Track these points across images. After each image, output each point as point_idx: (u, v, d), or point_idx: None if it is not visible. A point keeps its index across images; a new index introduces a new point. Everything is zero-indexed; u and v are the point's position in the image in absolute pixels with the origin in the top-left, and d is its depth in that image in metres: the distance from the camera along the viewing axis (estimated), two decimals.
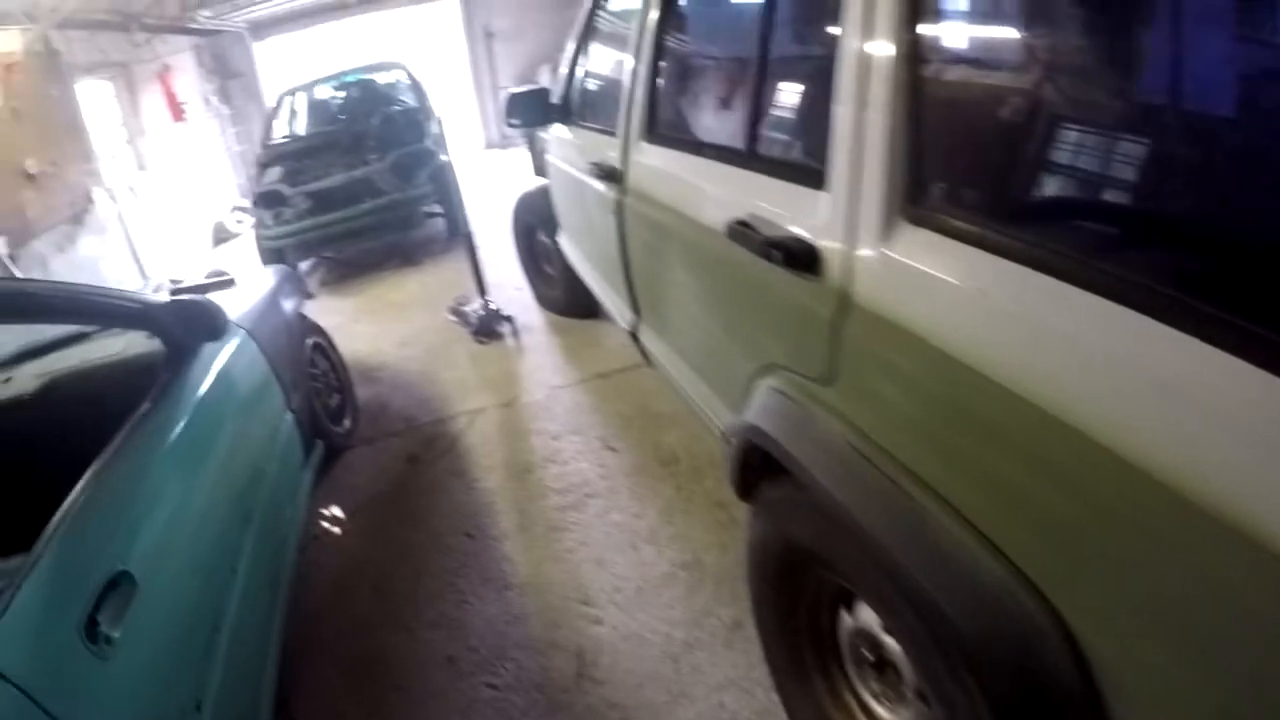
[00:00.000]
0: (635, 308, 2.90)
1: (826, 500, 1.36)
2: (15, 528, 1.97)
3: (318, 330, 4.04)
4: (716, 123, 2.21)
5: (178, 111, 9.03)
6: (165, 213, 8.51)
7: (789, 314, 1.54)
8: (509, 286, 5.23)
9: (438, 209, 6.86)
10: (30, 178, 6.30)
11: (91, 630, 1.57)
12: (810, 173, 1.44)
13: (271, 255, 6.59)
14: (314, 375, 3.77)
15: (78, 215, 6.96)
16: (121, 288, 3.32)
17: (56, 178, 6.63)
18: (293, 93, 8.32)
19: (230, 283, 3.60)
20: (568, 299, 4.52)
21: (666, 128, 2.42)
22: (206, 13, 9.58)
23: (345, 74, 8.45)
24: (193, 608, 2.01)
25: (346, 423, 4.01)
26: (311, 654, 2.68)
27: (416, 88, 7.88)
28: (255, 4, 10.04)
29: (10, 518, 2.17)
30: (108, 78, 8.18)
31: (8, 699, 1.36)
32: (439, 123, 7.55)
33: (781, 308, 1.57)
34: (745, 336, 1.86)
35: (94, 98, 7.91)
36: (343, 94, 8.37)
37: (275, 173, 6.85)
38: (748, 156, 1.81)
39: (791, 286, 1.46)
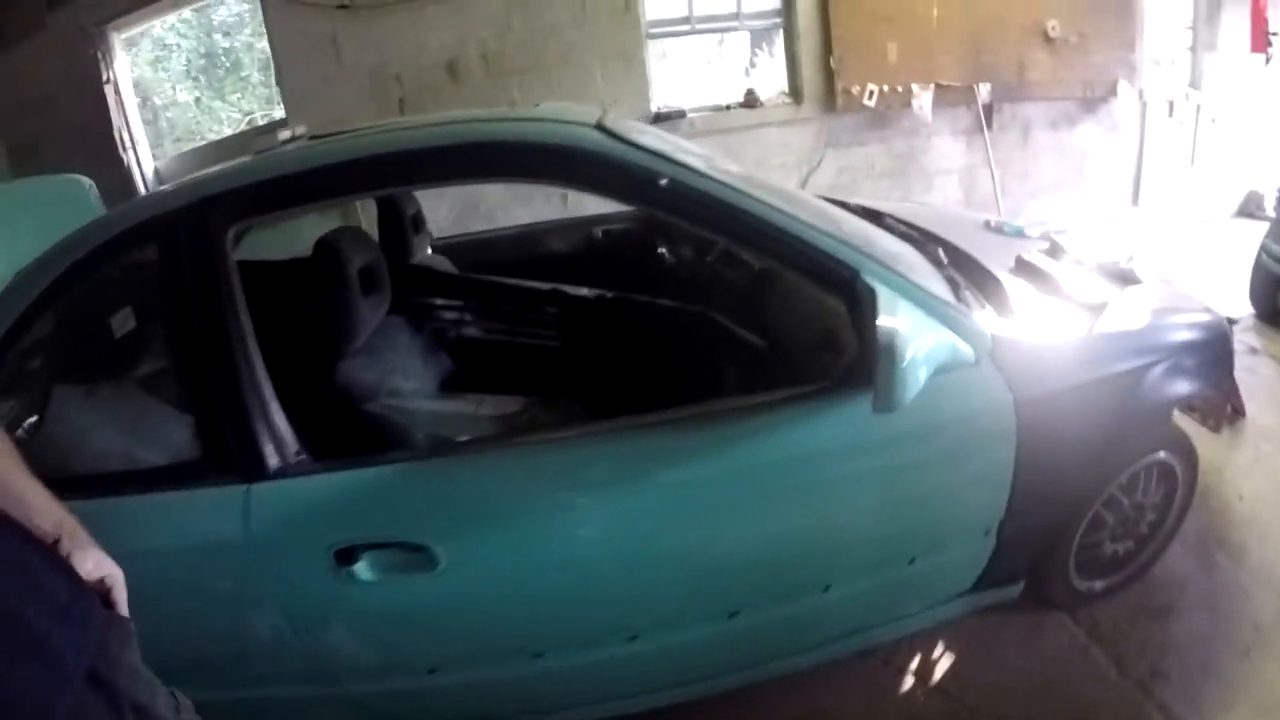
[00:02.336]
0: None
1: None
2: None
3: (1183, 450, 2.93)
4: None
5: (1261, 41, 7.44)
6: (1199, 146, 7.51)
7: None
8: None
9: None
10: (1048, 39, 6.14)
11: (346, 556, 1.74)
12: None
13: (1264, 281, 5.28)
14: (1115, 502, 2.77)
15: (1090, 101, 6.61)
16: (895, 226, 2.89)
17: (1080, 51, 6.32)
18: None
19: (1101, 305, 2.64)
20: None
21: None
22: None
23: None
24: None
25: (1098, 585, 2.96)
26: None
27: None
28: None
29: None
30: None
31: (228, 556, 1.77)
32: None
33: None
34: None
35: None
36: None
37: None
38: None
39: None
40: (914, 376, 1.79)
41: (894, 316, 1.81)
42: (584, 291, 3.01)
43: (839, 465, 2.01)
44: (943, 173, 6.06)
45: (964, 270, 2.66)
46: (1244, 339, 5.12)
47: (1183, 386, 2.70)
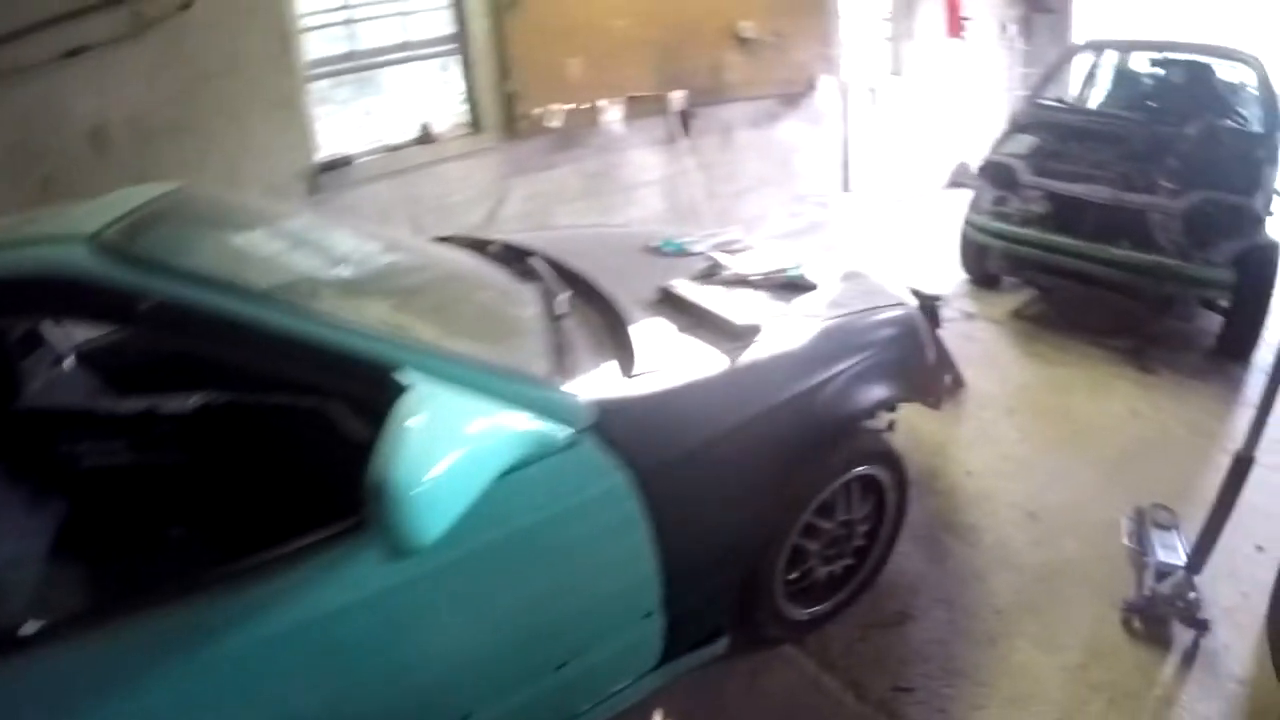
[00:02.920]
0: None
1: None
2: None
3: (886, 457, 2.66)
4: None
5: (956, 26, 7.99)
6: (903, 128, 7.87)
7: None
8: (1249, 541, 3.03)
9: (1221, 301, 4.58)
10: (742, 41, 6.05)
11: None
12: None
13: (972, 250, 5.43)
14: (815, 530, 2.50)
15: (792, 97, 6.62)
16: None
17: (777, 50, 6.27)
18: (1099, 48, 6.58)
19: (753, 331, 2.36)
20: None
21: None
22: None
23: (1174, 47, 6.41)
24: None
25: (820, 609, 2.68)
26: None
27: (1268, 104, 5.26)
28: None
29: None
30: None
31: None
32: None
33: None
34: None
35: None
36: (1159, 75, 6.33)
37: (1023, 142, 5.34)
38: None
39: None
40: (438, 505, 1.41)
41: (425, 425, 1.47)
42: (192, 401, 2.51)
43: (415, 598, 1.63)
44: (642, 185, 5.86)
45: (593, 318, 2.35)
46: (960, 305, 5.21)
47: (874, 392, 2.51)
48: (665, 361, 2.12)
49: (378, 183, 4.69)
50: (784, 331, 2.39)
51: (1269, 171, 4.82)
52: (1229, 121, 5.47)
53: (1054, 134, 5.38)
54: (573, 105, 5.17)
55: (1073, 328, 4.96)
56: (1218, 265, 4.34)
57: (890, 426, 2.91)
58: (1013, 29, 9.31)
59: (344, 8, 4.69)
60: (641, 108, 5.51)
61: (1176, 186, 4.53)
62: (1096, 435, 3.85)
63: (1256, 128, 5.32)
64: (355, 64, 4.81)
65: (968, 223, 5.31)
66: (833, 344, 2.44)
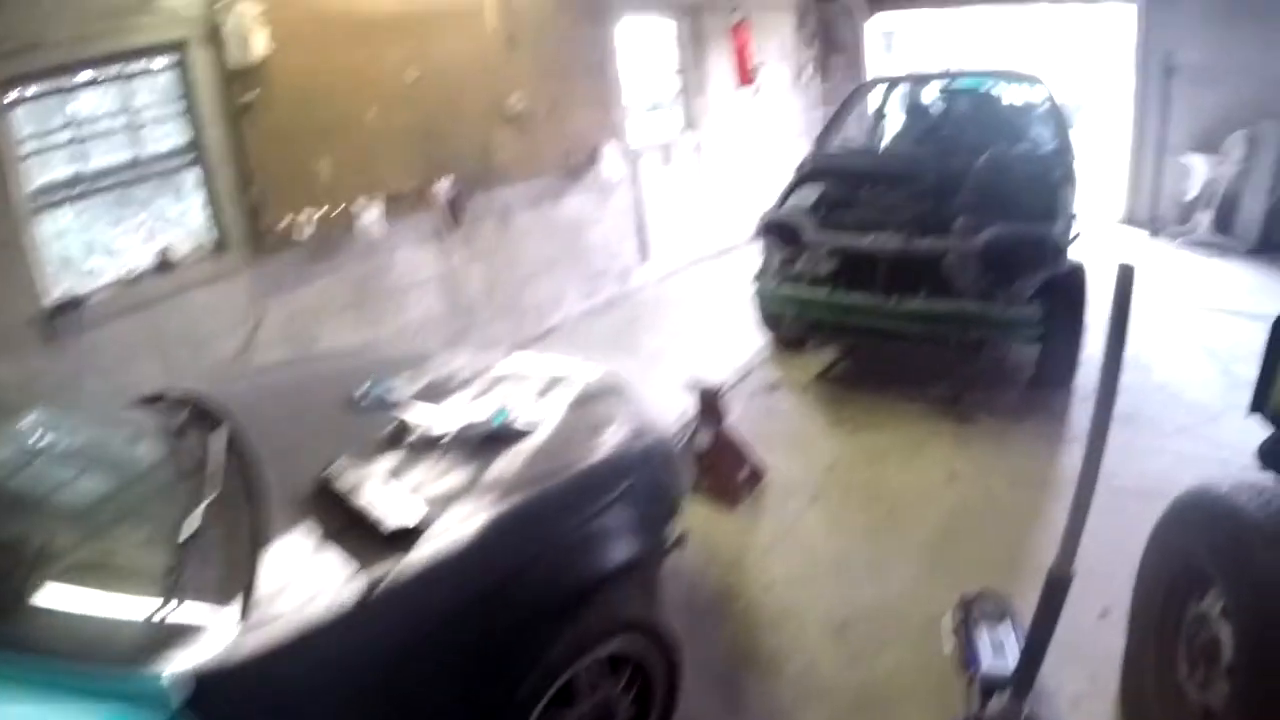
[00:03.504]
0: None
1: None
2: None
3: (640, 622, 2.25)
4: None
5: (746, 74, 7.97)
6: (702, 185, 7.74)
7: None
8: (1092, 605, 2.73)
9: (1034, 331, 4.29)
10: (512, 117, 5.75)
11: None
12: None
13: (770, 318, 5.13)
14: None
15: (575, 169, 6.34)
16: None
17: (551, 121, 6.03)
18: (891, 83, 6.63)
19: (411, 534, 1.90)
20: None
21: None
22: None
23: (960, 76, 6.55)
24: None
25: None
26: None
27: (1058, 123, 5.31)
28: None
29: None
30: (673, 17, 7.50)
31: None
32: (1076, 186, 5.01)
33: None
34: None
35: (648, 40, 7.32)
36: (948, 106, 6.34)
37: (809, 194, 5.03)
38: None
39: None
40: None
41: None
42: None
43: None
44: (415, 287, 5.41)
45: (236, 529, 1.89)
46: (761, 375, 4.92)
47: (604, 558, 2.12)
48: (292, 599, 1.67)
49: (118, 322, 4.08)
50: (462, 518, 1.97)
51: (1066, 193, 4.71)
52: (1021, 145, 5.40)
53: (842, 181, 5.12)
54: (325, 210, 4.68)
55: (883, 384, 4.72)
56: (1022, 303, 4.10)
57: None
58: (808, 71, 9.42)
59: (69, 125, 4.12)
60: (404, 203, 5.09)
61: (971, 223, 4.28)
62: (912, 511, 3.52)
63: (1048, 147, 5.28)
64: (85, 188, 4.20)
65: (756, 289, 4.94)
66: (533, 518, 2.05)
